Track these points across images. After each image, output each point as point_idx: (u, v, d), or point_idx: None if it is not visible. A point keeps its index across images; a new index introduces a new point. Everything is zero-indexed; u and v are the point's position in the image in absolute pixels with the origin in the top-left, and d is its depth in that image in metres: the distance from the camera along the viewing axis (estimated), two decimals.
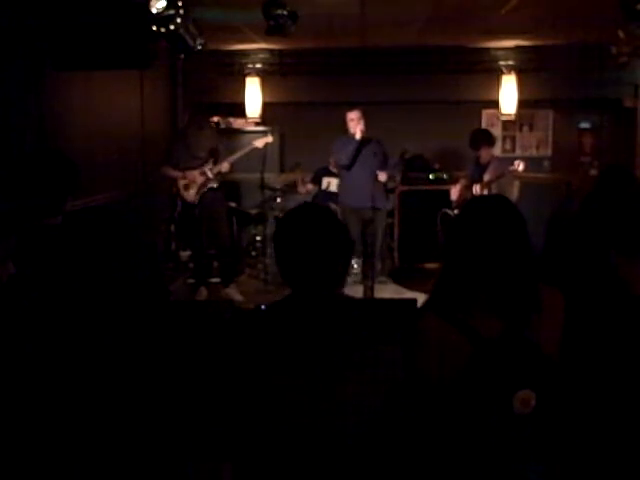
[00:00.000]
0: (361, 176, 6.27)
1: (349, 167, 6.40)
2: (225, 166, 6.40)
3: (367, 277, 6.41)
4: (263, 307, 2.07)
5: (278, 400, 1.74)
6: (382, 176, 6.34)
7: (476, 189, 6.42)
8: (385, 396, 1.77)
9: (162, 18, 4.74)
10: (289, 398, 1.73)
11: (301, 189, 7.81)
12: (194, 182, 6.36)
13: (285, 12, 4.99)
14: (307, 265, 1.80)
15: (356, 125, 6.31)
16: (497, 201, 1.98)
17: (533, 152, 8.64)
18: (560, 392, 1.77)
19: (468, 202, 2.01)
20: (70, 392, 1.99)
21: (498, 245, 1.79)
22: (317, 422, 1.73)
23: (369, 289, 6.30)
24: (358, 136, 6.25)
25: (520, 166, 6.05)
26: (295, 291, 1.85)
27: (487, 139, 6.59)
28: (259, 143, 6.66)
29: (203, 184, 6.37)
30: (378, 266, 6.84)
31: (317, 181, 7.74)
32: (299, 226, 1.86)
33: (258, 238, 7.82)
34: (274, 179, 7.77)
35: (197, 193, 6.38)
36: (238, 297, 6.45)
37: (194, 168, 6.36)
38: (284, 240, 1.87)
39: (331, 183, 7.52)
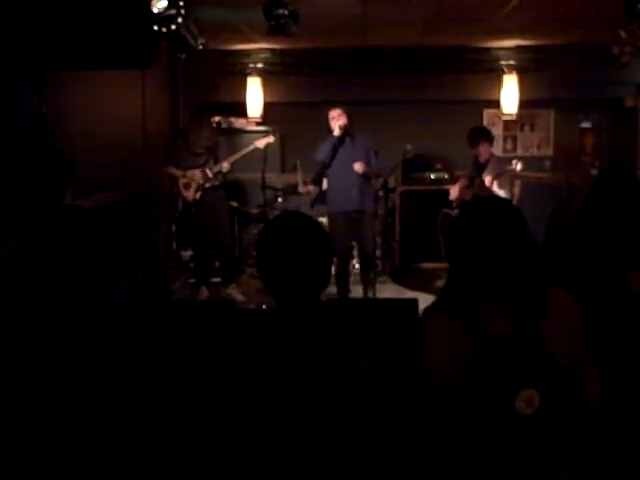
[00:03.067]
0: (344, 177, 5.98)
1: (327, 165, 6.07)
2: (225, 166, 6.43)
3: (366, 280, 6.32)
4: (264, 307, 2.07)
5: (265, 408, 1.74)
6: (357, 166, 5.90)
7: (475, 189, 6.44)
8: (371, 402, 1.78)
9: (163, 18, 4.75)
10: (275, 407, 1.74)
11: (301, 189, 7.80)
12: (193, 181, 6.39)
13: (286, 12, 4.99)
14: (289, 274, 1.82)
15: (336, 122, 5.97)
16: (495, 202, 1.99)
17: (534, 152, 8.64)
18: (569, 392, 1.77)
19: (467, 203, 2.01)
20: (69, 391, 2.00)
21: (498, 245, 1.80)
22: (304, 430, 1.74)
23: (370, 291, 6.29)
24: (336, 132, 5.94)
25: (518, 166, 6.06)
26: (279, 301, 1.85)
27: (485, 135, 6.58)
28: (260, 143, 6.68)
29: (202, 183, 6.39)
30: (377, 267, 6.83)
31: (318, 182, 7.72)
32: (279, 235, 1.86)
33: None
34: (275, 179, 7.77)
35: (196, 192, 6.40)
36: (239, 297, 6.46)
37: (195, 167, 6.38)
38: (265, 250, 1.88)
39: None
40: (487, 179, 6.33)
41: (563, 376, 1.74)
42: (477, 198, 2.05)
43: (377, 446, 1.78)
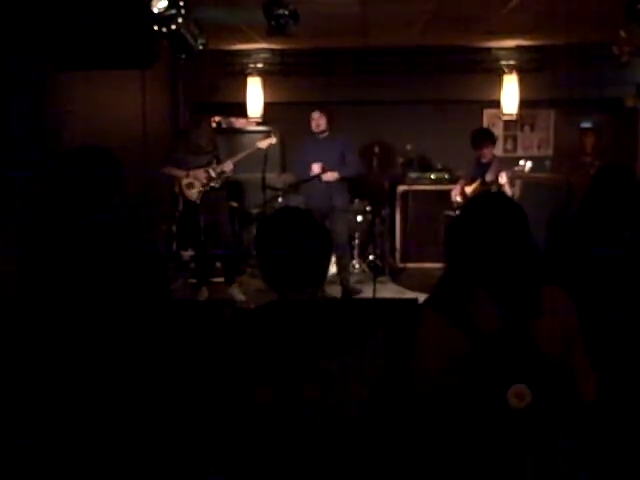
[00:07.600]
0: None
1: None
2: (229, 165, 6.43)
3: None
4: None
5: (264, 404, 1.75)
6: (327, 176, 6.25)
7: (475, 188, 6.43)
8: (369, 397, 1.79)
9: (163, 18, 4.75)
10: (274, 403, 1.75)
11: None
12: (197, 181, 6.38)
13: (286, 12, 4.99)
14: (289, 268, 1.83)
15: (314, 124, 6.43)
16: (499, 198, 1.98)
17: (534, 152, 8.63)
18: (560, 387, 1.77)
19: (470, 200, 2.01)
20: (70, 391, 2.00)
21: (500, 242, 1.80)
22: (304, 425, 1.75)
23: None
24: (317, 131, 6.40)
25: (527, 165, 6.04)
26: (279, 295, 1.87)
27: (490, 137, 6.62)
28: (263, 144, 6.69)
29: (206, 183, 6.39)
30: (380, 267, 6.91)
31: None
32: (279, 230, 1.88)
33: None
34: (275, 179, 7.77)
35: (199, 192, 6.40)
36: (240, 297, 6.46)
37: (198, 167, 6.38)
38: (265, 245, 1.89)
39: None
40: (502, 178, 6.22)
41: (553, 371, 1.75)
42: (480, 194, 2.04)
43: (374, 444, 1.79)
